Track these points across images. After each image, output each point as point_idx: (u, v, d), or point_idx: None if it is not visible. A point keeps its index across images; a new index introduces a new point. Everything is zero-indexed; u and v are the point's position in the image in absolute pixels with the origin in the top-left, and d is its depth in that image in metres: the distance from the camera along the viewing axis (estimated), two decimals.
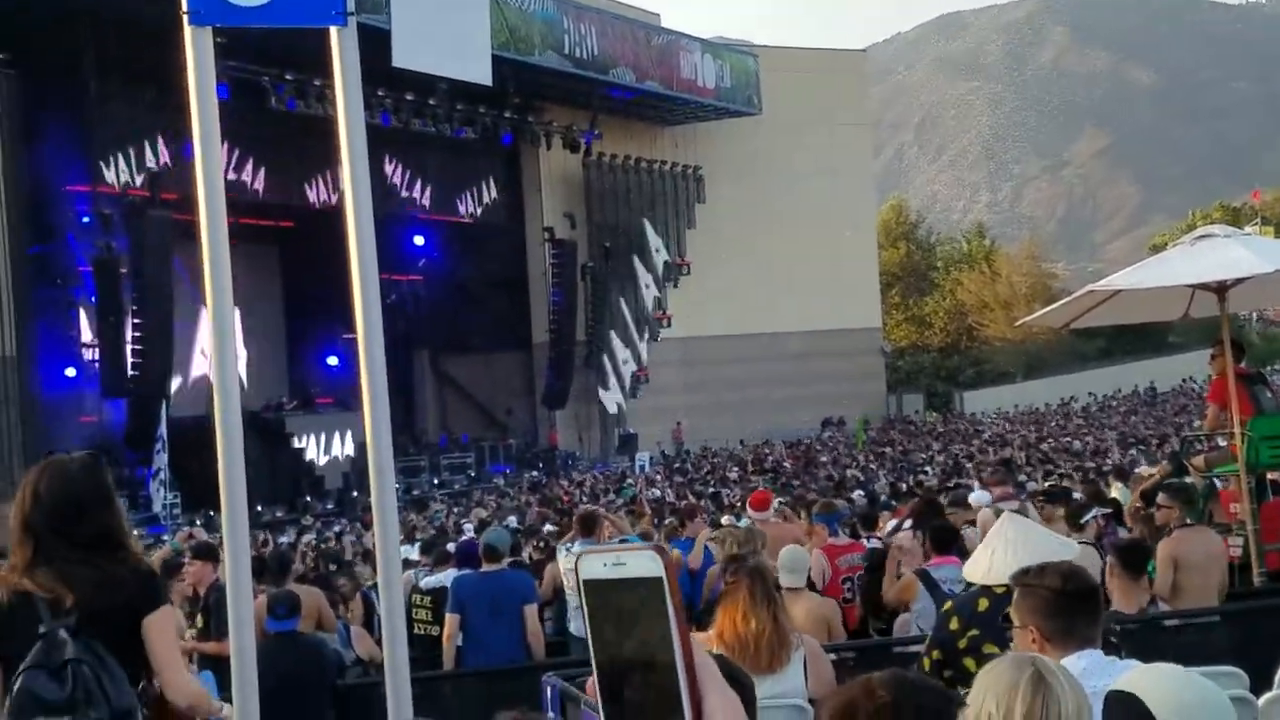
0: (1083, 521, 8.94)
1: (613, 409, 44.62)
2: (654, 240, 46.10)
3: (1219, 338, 9.94)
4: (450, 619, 8.71)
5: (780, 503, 14.45)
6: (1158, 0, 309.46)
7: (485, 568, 8.82)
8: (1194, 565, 7.93)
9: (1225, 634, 7.58)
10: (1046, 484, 15.44)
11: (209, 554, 8.93)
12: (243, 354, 38.25)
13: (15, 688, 3.60)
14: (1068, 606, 3.41)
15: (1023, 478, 18.70)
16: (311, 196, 35.89)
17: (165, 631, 4.00)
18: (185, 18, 3.78)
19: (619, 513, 15.19)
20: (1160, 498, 8.65)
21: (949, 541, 8.13)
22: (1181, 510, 8.30)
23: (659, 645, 1.29)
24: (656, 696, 1.30)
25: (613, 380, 44.64)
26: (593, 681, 1.32)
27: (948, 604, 5.87)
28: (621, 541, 8.95)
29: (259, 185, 34.51)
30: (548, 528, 17.38)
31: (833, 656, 6.64)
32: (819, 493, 20.26)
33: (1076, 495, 12.29)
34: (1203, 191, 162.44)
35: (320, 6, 3.81)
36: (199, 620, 8.60)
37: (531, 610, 8.73)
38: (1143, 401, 49.54)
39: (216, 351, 3.81)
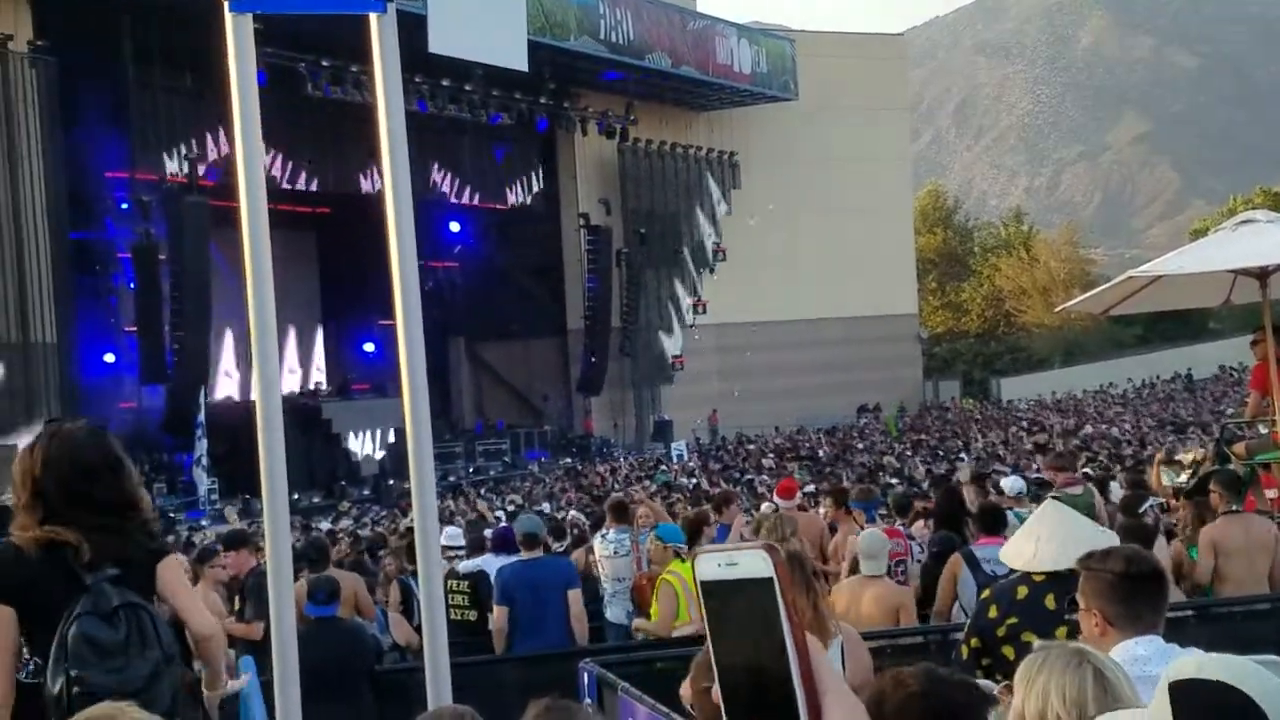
0: (1140, 511, 8.88)
1: (674, 350, 44.58)
2: (701, 226, 46.17)
3: (1261, 324, 9.85)
4: (499, 611, 8.64)
5: (804, 493, 14.43)
6: None
7: (525, 555, 8.82)
8: (1235, 551, 7.87)
9: (1269, 622, 7.52)
10: (1084, 470, 15.33)
11: (241, 541, 9.01)
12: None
13: (70, 634, 3.69)
14: (1131, 590, 3.39)
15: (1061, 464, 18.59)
16: (348, 183, 35.99)
17: (179, 572, 4.17)
18: (226, 4, 3.79)
19: (655, 499, 15.18)
20: (1210, 484, 8.58)
21: (997, 523, 8.14)
22: (1226, 497, 8.24)
23: (775, 649, 1.25)
24: (776, 702, 1.26)
25: (674, 319, 44.70)
26: (716, 688, 1.29)
27: (986, 591, 5.86)
28: (654, 530, 8.93)
29: (296, 171, 34.66)
30: (572, 514, 17.38)
31: (881, 643, 6.63)
32: (855, 480, 20.26)
33: (1115, 483, 12.23)
34: (1244, 177, 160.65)
35: None
36: (236, 603, 8.69)
37: (576, 595, 8.73)
38: (1182, 388, 49.11)
39: (258, 338, 3.82)
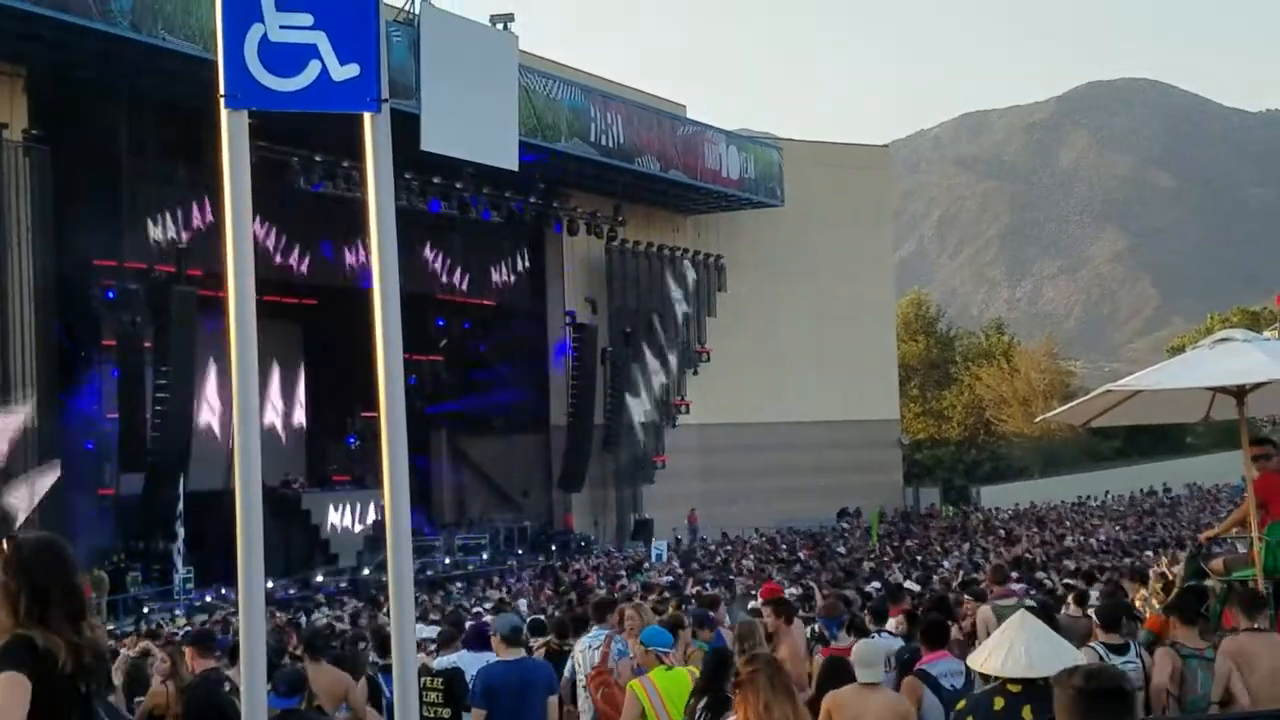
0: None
1: (639, 417, 44.53)
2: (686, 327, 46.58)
3: (1256, 437, 9.93)
4: (478, 713, 8.37)
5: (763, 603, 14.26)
6: (1178, 104, 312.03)
7: (506, 655, 8.59)
8: (1260, 669, 7.72)
9: None
10: (1064, 582, 15.34)
11: (199, 641, 8.88)
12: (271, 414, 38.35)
13: None
14: (1089, 707, 3.36)
15: (1040, 575, 18.59)
16: (335, 275, 36.12)
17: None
18: (221, 100, 3.87)
19: (637, 598, 15.07)
20: (1228, 604, 8.43)
21: (942, 637, 8.15)
22: (1245, 615, 8.11)
23: None
24: None
25: (643, 390, 44.68)
26: None
27: (961, 703, 5.86)
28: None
29: (284, 263, 34.77)
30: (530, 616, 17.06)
31: None
32: (831, 584, 20.18)
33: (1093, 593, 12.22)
34: (1221, 295, 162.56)
35: (355, 93, 3.90)
36: None
37: (554, 701, 8.53)
38: (1158, 503, 49.14)
39: (241, 429, 3.84)
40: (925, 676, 7.74)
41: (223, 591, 27.75)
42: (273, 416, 38.55)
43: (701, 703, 6.87)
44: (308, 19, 3.80)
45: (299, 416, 40.89)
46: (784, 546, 37.88)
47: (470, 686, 9.00)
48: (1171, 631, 7.90)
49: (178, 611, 26.56)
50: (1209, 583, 10.08)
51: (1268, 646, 7.87)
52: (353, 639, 14.28)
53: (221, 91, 3.85)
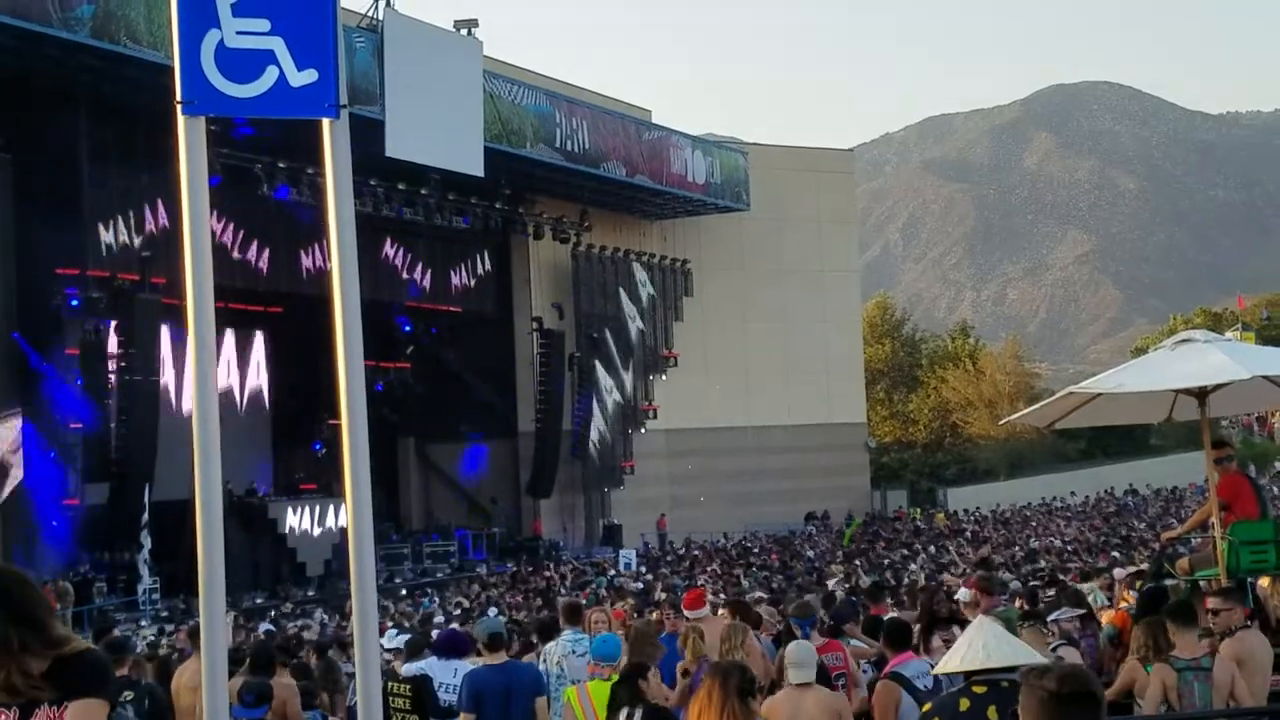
0: (1051, 619, 8.91)
1: (593, 435, 44.58)
2: (633, 309, 46.43)
3: (1217, 439, 10.01)
4: (465, 717, 8.40)
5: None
6: (1141, 107, 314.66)
7: (490, 659, 8.64)
8: (1258, 667, 7.74)
9: None
10: (1030, 584, 15.44)
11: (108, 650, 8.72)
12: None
13: None
14: (1059, 711, 3.33)
15: (1008, 576, 18.69)
16: (301, 282, 35.91)
17: None
18: (179, 108, 3.84)
19: (607, 604, 15.11)
20: (1213, 602, 8.38)
21: (905, 638, 8.16)
22: (1239, 611, 8.10)
23: None
24: None
25: (596, 409, 44.64)
26: None
27: (927, 705, 5.89)
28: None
29: (248, 270, 34.55)
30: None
31: None
32: (799, 588, 20.27)
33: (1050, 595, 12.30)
34: (1184, 297, 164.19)
35: (313, 98, 3.88)
36: None
37: (542, 703, 8.56)
38: (1122, 505, 49.46)
39: (200, 438, 3.82)
40: (899, 678, 7.75)
41: (188, 598, 27.55)
42: (236, 423, 38.26)
43: (630, 714, 6.82)
44: (265, 25, 3.77)
45: (263, 423, 40.57)
46: (754, 550, 37.97)
47: (438, 694, 9.00)
48: (1171, 636, 7.67)
49: (143, 622, 26.34)
50: (1170, 582, 10.16)
51: (1262, 643, 7.89)
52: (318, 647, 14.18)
53: (178, 98, 3.83)
